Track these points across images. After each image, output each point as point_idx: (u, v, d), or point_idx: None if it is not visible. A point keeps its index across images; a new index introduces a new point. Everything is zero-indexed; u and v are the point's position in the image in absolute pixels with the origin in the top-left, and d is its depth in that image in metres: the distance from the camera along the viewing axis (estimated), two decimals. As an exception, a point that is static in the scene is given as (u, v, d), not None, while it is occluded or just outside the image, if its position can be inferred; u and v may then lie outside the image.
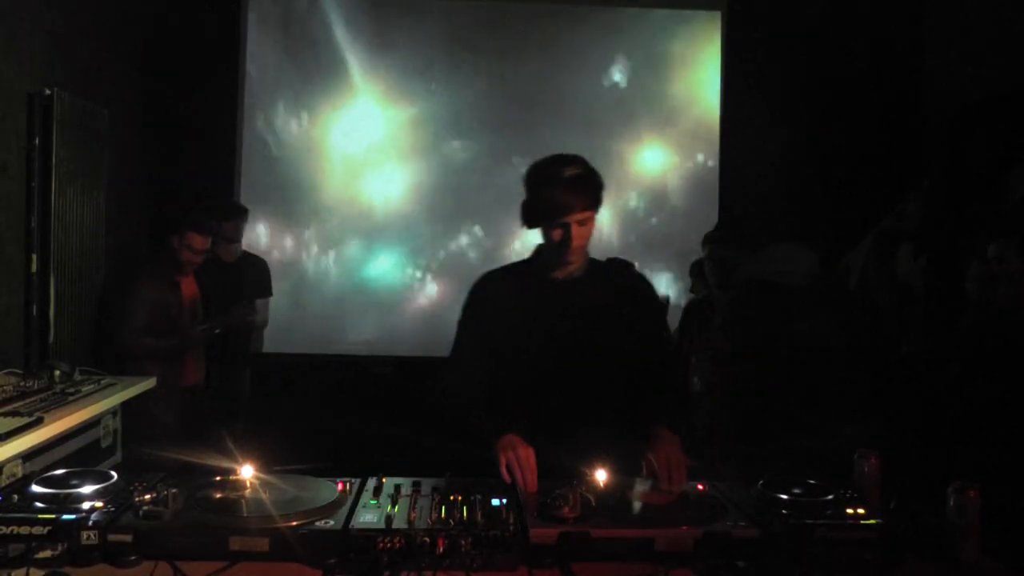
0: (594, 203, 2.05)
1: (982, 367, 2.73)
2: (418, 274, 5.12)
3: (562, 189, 2.00)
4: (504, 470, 1.86)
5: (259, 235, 5.01)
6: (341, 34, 5.11)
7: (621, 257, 4.56)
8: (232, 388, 4.20)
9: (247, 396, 4.33)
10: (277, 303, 4.69)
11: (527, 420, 2.04)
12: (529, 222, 2.11)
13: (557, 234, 2.04)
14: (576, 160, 2.07)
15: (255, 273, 4.34)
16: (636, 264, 4.41)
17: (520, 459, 1.86)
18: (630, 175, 5.20)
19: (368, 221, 5.14)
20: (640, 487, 1.83)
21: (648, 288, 2.35)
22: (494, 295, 2.19)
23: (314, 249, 5.13)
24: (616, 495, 1.76)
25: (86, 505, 1.57)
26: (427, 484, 1.77)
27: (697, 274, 4.20)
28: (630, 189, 5.20)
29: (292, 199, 5.11)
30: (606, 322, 2.13)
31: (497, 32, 5.17)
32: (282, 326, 4.91)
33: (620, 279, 2.29)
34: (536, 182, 2.06)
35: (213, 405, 3.97)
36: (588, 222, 2.06)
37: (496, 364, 2.13)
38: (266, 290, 4.42)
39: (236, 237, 4.18)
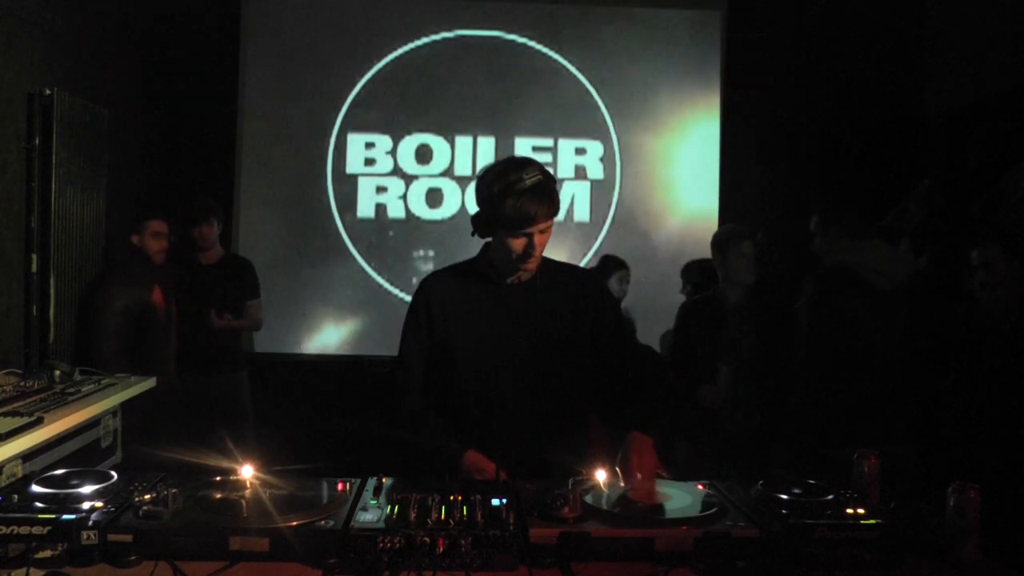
0: (556, 210, 1.98)
1: (982, 367, 2.73)
2: (418, 272, 5.13)
3: (526, 198, 1.90)
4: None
5: (259, 235, 5.02)
6: (339, 32, 5.12)
7: (615, 256, 4.54)
8: (231, 389, 4.18)
9: (248, 397, 4.31)
10: (278, 303, 4.68)
11: (483, 424, 2.03)
12: (485, 232, 2.02)
13: (519, 244, 1.96)
14: (533, 164, 1.97)
15: (239, 275, 4.20)
16: (629, 265, 4.42)
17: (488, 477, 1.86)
18: (630, 175, 5.20)
19: (369, 222, 5.14)
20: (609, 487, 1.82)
21: (598, 284, 2.31)
22: (442, 297, 2.11)
23: (313, 248, 5.13)
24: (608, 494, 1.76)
25: (86, 505, 1.56)
26: (427, 484, 1.77)
27: (698, 275, 4.16)
28: (630, 189, 5.20)
29: (292, 199, 5.11)
30: (561, 322, 2.09)
31: (495, 30, 5.17)
32: (282, 326, 4.91)
33: (569, 278, 2.20)
34: (496, 191, 1.93)
35: (213, 406, 3.97)
36: (548, 230, 1.99)
37: (447, 369, 2.08)
38: (254, 291, 4.24)
39: (205, 244, 4.08)
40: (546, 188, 1.95)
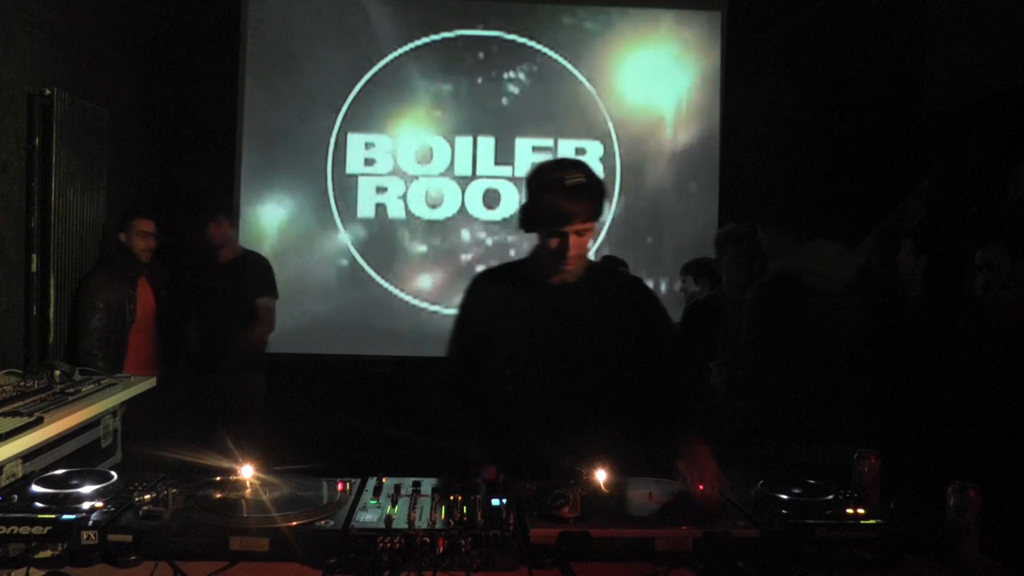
0: (595, 214, 2.00)
1: (981, 367, 2.73)
2: (418, 272, 5.13)
3: (563, 197, 1.94)
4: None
5: (259, 235, 5.02)
6: (339, 32, 5.12)
7: (615, 256, 4.55)
8: (246, 391, 4.13)
9: (263, 399, 4.26)
10: (277, 303, 4.67)
11: (525, 420, 2.05)
12: (527, 226, 2.06)
13: (554, 242, 2.00)
14: (580, 166, 2.01)
15: (255, 272, 4.13)
16: (630, 265, 4.42)
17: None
18: (630, 175, 5.20)
19: (369, 222, 5.14)
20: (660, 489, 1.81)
21: (646, 291, 2.31)
22: (488, 296, 2.16)
23: (313, 248, 5.13)
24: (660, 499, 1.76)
25: (86, 505, 1.56)
26: (427, 484, 1.77)
27: (700, 274, 4.16)
28: (630, 189, 5.20)
29: (292, 199, 5.11)
30: (602, 326, 2.10)
31: (495, 30, 5.18)
32: (282, 326, 4.90)
33: (617, 283, 2.22)
34: (537, 187, 2.00)
35: (226, 407, 3.93)
36: (587, 232, 2.01)
37: (492, 365, 2.11)
38: (268, 289, 4.14)
39: (216, 242, 3.99)
40: (587, 190, 1.97)
